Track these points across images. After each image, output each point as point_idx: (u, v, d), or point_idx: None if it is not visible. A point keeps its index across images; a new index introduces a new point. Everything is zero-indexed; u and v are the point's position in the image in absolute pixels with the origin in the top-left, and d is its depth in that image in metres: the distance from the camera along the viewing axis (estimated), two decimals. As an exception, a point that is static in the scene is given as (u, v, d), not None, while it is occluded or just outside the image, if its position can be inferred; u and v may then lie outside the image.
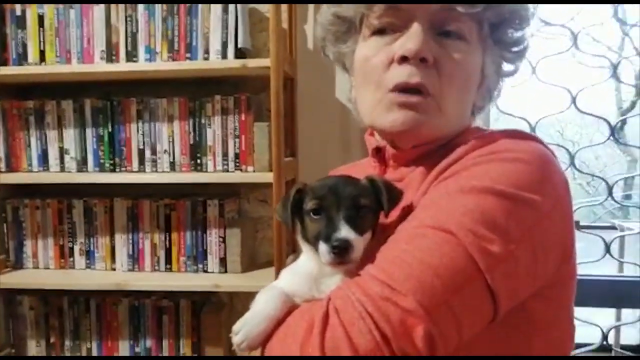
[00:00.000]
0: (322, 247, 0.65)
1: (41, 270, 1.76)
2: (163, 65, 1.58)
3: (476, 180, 0.64)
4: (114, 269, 1.73)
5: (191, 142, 1.66)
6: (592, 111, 2.09)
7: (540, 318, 0.69)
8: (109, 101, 1.70)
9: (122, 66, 1.60)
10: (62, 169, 1.72)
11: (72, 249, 1.75)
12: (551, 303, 0.70)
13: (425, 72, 0.72)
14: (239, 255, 1.66)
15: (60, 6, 1.65)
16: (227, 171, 1.63)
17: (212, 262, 1.68)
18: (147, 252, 1.71)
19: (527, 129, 1.45)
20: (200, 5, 1.58)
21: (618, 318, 2.48)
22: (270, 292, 0.69)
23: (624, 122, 2.13)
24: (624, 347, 2.32)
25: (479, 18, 0.73)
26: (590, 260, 1.90)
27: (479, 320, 0.60)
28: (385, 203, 0.70)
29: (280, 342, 0.62)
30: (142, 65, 1.59)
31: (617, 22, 2.35)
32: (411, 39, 0.71)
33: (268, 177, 1.52)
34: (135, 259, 1.72)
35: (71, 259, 1.76)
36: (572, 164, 2.05)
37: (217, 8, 1.58)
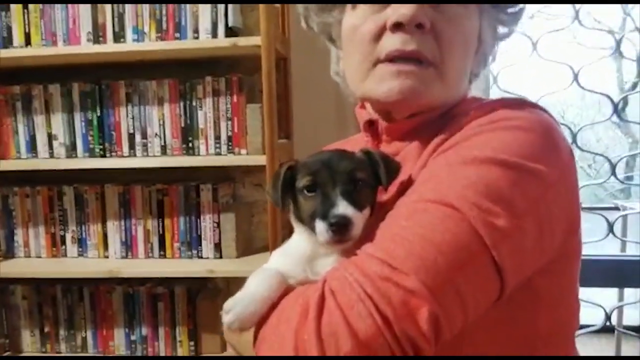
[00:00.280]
0: (319, 225, 0.61)
1: (33, 259, 1.73)
2: (151, 45, 1.53)
3: (478, 151, 0.60)
4: (107, 257, 1.70)
5: (182, 125, 1.61)
6: (591, 94, 2.04)
7: (545, 295, 0.65)
8: (97, 85, 1.65)
9: (109, 47, 1.55)
10: (51, 155, 1.68)
11: (63, 237, 1.72)
12: (557, 279, 0.66)
13: (422, 38, 0.67)
14: (234, 241, 1.63)
15: (44, -14, 1.59)
16: (220, 154, 1.59)
17: (207, 247, 1.65)
18: (140, 239, 1.67)
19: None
20: (188, -17, 1.53)
21: (620, 298, 2.46)
22: (263, 272, 0.65)
23: (625, 102, 2.09)
24: (626, 328, 2.30)
25: None
26: (594, 240, 1.86)
27: (485, 299, 0.57)
28: (384, 176, 0.66)
29: (273, 329, 0.58)
30: (129, 45, 1.54)
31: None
32: (405, 4, 0.66)
33: (261, 159, 1.48)
34: (128, 246, 1.68)
35: (63, 247, 1.72)
36: (574, 142, 2.01)
37: (206, -15, 1.52)
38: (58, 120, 1.67)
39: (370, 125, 0.79)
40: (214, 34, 1.52)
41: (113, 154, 1.65)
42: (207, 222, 1.64)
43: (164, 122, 1.62)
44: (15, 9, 1.61)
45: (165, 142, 1.62)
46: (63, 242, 1.72)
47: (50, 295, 1.74)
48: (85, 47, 1.57)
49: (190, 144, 1.61)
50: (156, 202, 1.66)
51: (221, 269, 1.56)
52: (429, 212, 0.56)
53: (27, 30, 1.62)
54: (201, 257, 1.65)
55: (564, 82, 1.98)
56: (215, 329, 1.65)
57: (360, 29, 0.70)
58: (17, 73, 1.74)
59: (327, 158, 0.65)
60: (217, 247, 1.64)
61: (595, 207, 2.64)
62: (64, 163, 1.65)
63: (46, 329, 1.74)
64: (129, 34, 1.57)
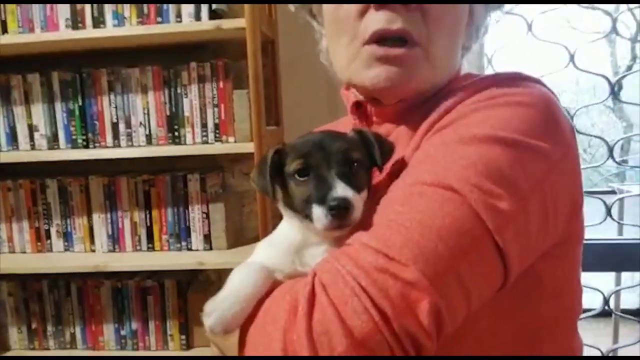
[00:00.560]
0: (317, 210, 0.56)
1: (18, 254, 1.68)
2: (133, 30, 1.47)
3: (477, 128, 0.56)
4: (94, 251, 1.65)
5: (167, 113, 1.56)
6: (586, 79, 1.99)
7: (549, 281, 0.61)
8: (77, 73, 1.59)
9: (89, 33, 1.48)
10: (33, 147, 1.62)
11: (48, 231, 1.67)
12: (560, 263, 0.62)
13: (408, 16, 0.62)
14: (224, 231, 1.59)
15: (19, -29, 1.52)
16: (207, 143, 1.54)
17: (196, 239, 1.60)
18: (128, 232, 1.63)
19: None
20: (169, -36, 1.47)
21: (617, 282, 2.45)
22: (247, 267, 0.60)
23: (620, 86, 2.05)
24: (624, 311, 2.29)
25: None
26: (592, 224, 1.84)
27: (488, 287, 0.53)
28: (378, 156, 0.62)
29: (259, 329, 0.53)
30: (110, 31, 1.48)
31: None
32: None
33: (249, 147, 1.43)
34: (115, 239, 1.64)
35: (48, 241, 1.68)
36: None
37: (187, -34, 1.46)
38: (38, 111, 1.61)
39: (358, 107, 0.75)
40: (197, 17, 1.46)
41: (96, 144, 1.60)
42: (195, 213, 1.60)
43: (148, 110, 1.56)
44: (-10, -5, 1.55)
45: (150, 131, 1.57)
46: (48, 236, 1.67)
47: (37, 291, 1.69)
48: (64, 34, 1.50)
49: (176, 133, 1.56)
50: (142, 194, 1.62)
51: (211, 261, 1.51)
52: (427, 196, 0.52)
53: (3, 18, 1.55)
54: (190, 249, 1.61)
55: (559, 64, 1.94)
56: (207, 322, 1.60)
57: (343, 6, 0.66)
58: (-5, 63, 1.68)
59: (318, 139, 0.61)
60: (207, 238, 1.60)
61: (591, 190, 2.62)
62: (46, 155, 1.59)
63: (33, 326, 1.70)
64: (109, 19, 1.50)
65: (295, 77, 1.69)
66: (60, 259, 1.62)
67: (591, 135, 2.62)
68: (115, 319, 1.66)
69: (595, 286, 1.90)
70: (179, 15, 1.48)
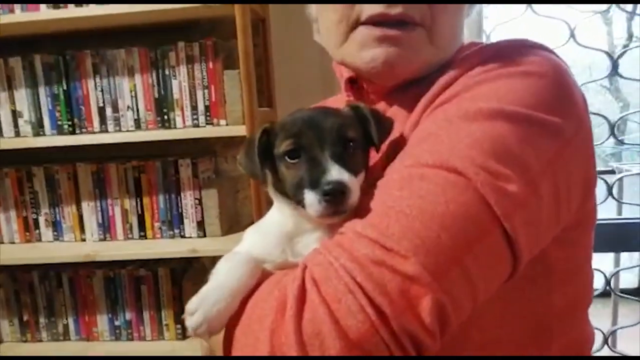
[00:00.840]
0: (310, 196, 0.51)
1: (6, 245, 1.64)
2: (117, 8, 1.40)
3: (482, 102, 0.51)
4: (84, 240, 1.61)
5: (156, 96, 1.50)
6: (582, 59, 1.94)
7: (560, 268, 0.57)
8: (61, 55, 1.53)
9: (71, 12, 1.41)
10: (17, 134, 1.57)
11: (36, 220, 1.62)
12: (572, 249, 0.58)
13: None
14: (218, 218, 1.54)
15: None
16: (198, 126, 1.49)
17: (189, 226, 1.56)
18: (118, 220, 1.58)
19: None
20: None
21: (616, 262, 2.43)
22: (233, 259, 0.55)
23: (616, 66, 2.01)
24: (622, 291, 2.28)
25: None
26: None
27: (496, 279, 0.48)
28: (375, 134, 0.56)
29: (244, 329, 0.49)
30: (93, 9, 1.40)
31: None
32: None
33: (242, 130, 1.38)
34: (105, 228, 1.59)
35: (37, 231, 1.63)
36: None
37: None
38: (22, 96, 1.55)
39: (353, 83, 0.70)
40: (185, -5, 1.40)
41: (83, 130, 1.54)
42: (188, 199, 1.55)
43: (135, 93, 1.50)
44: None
45: (138, 115, 1.51)
46: (36, 226, 1.63)
47: (27, 282, 1.65)
48: (45, 14, 1.43)
49: (165, 117, 1.50)
50: (133, 180, 1.56)
51: (205, 248, 1.47)
52: (428, 179, 0.47)
53: (-20, -1, 1.48)
54: (184, 237, 1.57)
55: (559, 41, 1.88)
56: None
57: None
58: (-26, 46, 1.61)
59: (309, 116, 0.56)
60: (200, 225, 1.55)
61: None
62: (31, 142, 1.53)
63: (25, 318, 1.66)
64: (92, -3, 1.43)
65: (287, 57, 1.63)
66: (50, 249, 1.58)
67: (593, 114, 2.58)
68: (108, 310, 1.63)
69: (596, 266, 1.88)
70: (165, -7, 1.41)
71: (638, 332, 1.99)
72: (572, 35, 1.85)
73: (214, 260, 1.68)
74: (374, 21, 0.58)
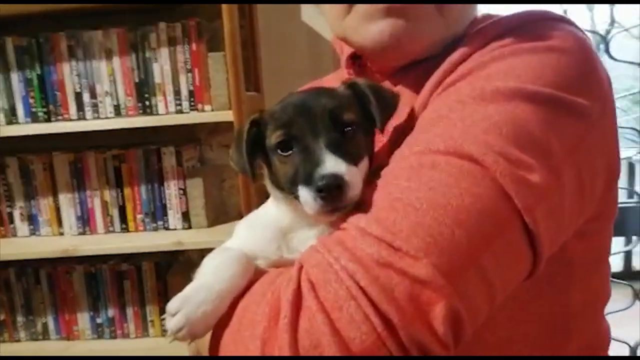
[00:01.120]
0: (304, 192, 0.46)
1: (-21, 240, 1.55)
2: (92, -13, 1.32)
3: (500, 81, 0.45)
4: (62, 234, 1.54)
5: (136, 80, 1.42)
6: None
7: (580, 263, 0.52)
8: (34, 38, 1.45)
9: (42, -9, 1.33)
10: (-12, 123, 1.48)
11: (11, 214, 1.54)
12: (592, 242, 0.53)
13: None
14: (204, 208, 1.48)
15: None
16: (181, 112, 1.42)
17: (174, 217, 1.49)
18: (98, 212, 1.51)
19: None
20: None
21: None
22: (223, 255, 0.50)
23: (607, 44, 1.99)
24: (612, 275, 2.27)
25: None
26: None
27: (514, 279, 0.43)
28: (377, 113, 0.50)
29: (234, 335, 0.44)
30: (66, -12, 1.32)
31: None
32: None
33: (228, 115, 1.32)
34: (85, 221, 1.52)
35: (12, 225, 1.55)
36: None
37: None
38: (-7, 82, 1.46)
39: (355, 60, 0.64)
40: (165, -29, 1.32)
41: (59, 117, 1.46)
42: (171, 189, 1.48)
43: (114, 78, 1.43)
44: None
45: (118, 101, 1.44)
46: (11, 220, 1.55)
47: (3, 279, 1.58)
48: (15, -7, 1.35)
49: (146, 102, 1.43)
50: (113, 170, 1.50)
51: (191, 240, 1.41)
52: (440, 168, 0.42)
53: (-55, -23, 1.38)
54: (168, 229, 1.50)
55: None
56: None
57: None
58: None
59: (300, 101, 0.50)
60: (185, 216, 1.49)
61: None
62: (3, 130, 1.45)
63: (2, 317, 1.58)
64: (65, -25, 1.35)
65: (275, 39, 1.56)
66: (26, 244, 1.51)
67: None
68: (90, 307, 1.56)
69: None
70: (143, -30, 1.33)
71: (628, 316, 1.98)
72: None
73: (201, 253, 1.60)
74: None
